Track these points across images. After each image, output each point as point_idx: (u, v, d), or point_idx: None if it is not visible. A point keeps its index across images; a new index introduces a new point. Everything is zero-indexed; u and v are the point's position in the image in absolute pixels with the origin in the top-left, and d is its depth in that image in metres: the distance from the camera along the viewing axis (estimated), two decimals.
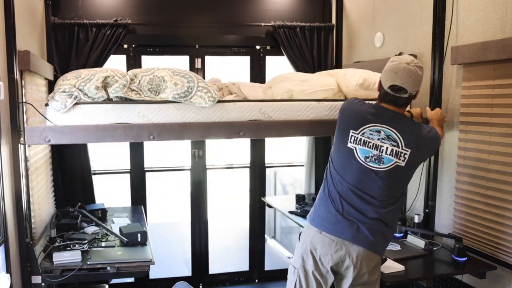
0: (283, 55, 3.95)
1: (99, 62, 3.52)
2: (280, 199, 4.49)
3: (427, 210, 3.00)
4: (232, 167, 4.48)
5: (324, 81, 2.93)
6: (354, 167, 2.15)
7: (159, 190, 5.67)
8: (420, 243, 2.79)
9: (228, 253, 4.82)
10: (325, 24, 4.00)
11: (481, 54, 2.49)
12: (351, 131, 2.17)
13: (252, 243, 4.35)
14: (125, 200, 4.02)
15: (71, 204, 3.28)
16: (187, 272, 4.24)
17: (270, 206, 4.01)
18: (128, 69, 3.76)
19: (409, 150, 2.11)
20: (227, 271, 4.36)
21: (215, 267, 4.30)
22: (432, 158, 2.94)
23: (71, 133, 2.35)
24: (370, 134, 2.14)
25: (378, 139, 2.12)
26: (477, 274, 2.54)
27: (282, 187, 5.35)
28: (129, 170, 3.98)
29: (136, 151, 3.95)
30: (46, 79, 3.17)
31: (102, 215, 3.31)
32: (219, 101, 2.57)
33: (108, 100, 2.51)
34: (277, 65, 4.06)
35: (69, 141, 2.37)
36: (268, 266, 4.41)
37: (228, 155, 5.26)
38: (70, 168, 3.60)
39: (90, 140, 2.43)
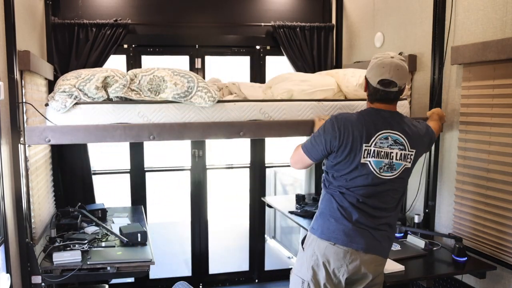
0: (283, 55, 3.95)
1: (99, 62, 3.52)
2: (280, 199, 4.50)
3: (427, 210, 3.00)
4: (232, 167, 4.48)
5: (324, 81, 2.93)
6: (369, 180, 2.08)
7: (159, 190, 5.68)
8: (420, 243, 2.79)
9: (228, 253, 4.82)
10: (325, 24, 4.00)
11: (481, 54, 2.49)
12: (364, 145, 2.06)
13: (252, 243, 4.35)
14: (125, 200, 4.02)
15: (71, 204, 3.28)
16: (187, 272, 4.24)
17: (270, 206, 4.00)
18: (128, 69, 3.76)
19: (414, 150, 2.11)
20: (227, 271, 4.36)
21: (215, 267, 4.29)
22: (432, 158, 2.94)
23: (71, 133, 2.34)
24: (380, 143, 2.07)
25: (388, 146, 2.07)
26: (477, 274, 2.54)
27: (282, 187, 5.35)
28: (129, 170, 3.98)
29: (136, 151, 3.95)
30: (46, 79, 3.17)
31: (102, 215, 3.31)
32: (219, 101, 2.56)
33: (108, 100, 2.50)
34: (277, 65, 4.06)
35: (69, 141, 2.36)
36: (268, 266, 4.41)
37: (228, 155, 5.27)
38: (70, 168, 3.60)
39: (90, 140, 2.42)
